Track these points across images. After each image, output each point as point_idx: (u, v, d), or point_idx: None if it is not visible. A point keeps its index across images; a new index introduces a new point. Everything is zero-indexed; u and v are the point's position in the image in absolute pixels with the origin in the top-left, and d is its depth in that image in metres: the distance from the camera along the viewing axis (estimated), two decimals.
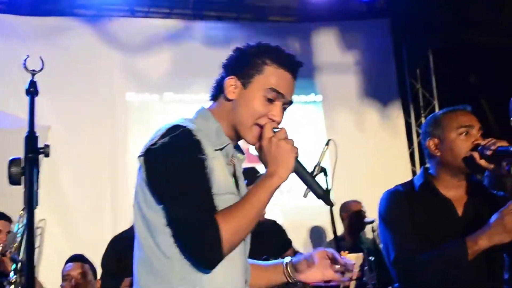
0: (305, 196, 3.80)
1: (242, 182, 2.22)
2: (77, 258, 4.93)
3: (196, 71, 7.19)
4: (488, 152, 2.57)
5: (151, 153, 1.99)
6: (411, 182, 2.88)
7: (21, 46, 6.53)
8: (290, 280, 2.33)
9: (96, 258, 4.92)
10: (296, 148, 2.06)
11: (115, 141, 7.08)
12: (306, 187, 3.45)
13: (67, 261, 4.92)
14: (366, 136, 8.12)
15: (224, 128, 2.13)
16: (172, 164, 1.95)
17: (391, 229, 2.75)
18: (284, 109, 2.15)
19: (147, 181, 2.00)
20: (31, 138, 1.97)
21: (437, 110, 8.23)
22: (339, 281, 2.41)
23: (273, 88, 2.09)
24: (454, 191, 2.75)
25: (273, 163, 2.03)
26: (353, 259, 4.64)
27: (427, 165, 2.86)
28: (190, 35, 7.71)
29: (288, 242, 5.14)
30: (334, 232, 4.08)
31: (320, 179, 3.92)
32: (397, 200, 2.79)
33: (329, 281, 3.98)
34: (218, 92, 2.18)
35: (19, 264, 3.19)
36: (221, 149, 2.10)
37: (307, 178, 2.12)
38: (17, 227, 3.56)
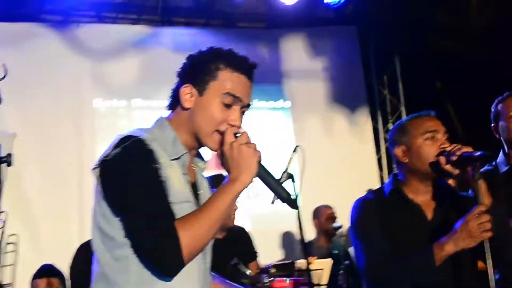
0: (272, 202, 3.82)
1: (205, 190, 2.21)
2: (45, 271, 4.86)
3: (164, 78, 7.03)
4: (454, 158, 2.59)
5: (104, 165, 1.97)
6: (381, 189, 2.91)
7: None
8: None
9: (65, 268, 4.87)
10: (258, 152, 2.03)
11: (82, 148, 7.02)
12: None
13: (34, 276, 4.85)
14: (334, 142, 8.17)
15: (182, 137, 2.10)
16: (126, 175, 1.93)
17: (362, 237, 2.77)
18: (243, 112, 2.13)
19: (103, 194, 1.97)
20: None
21: (404, 116, 8.34)
22: None
23: (229, 93, 2.06)
24: (423, 196, 2.78)
25: (235, 169, 2.00)
26: (322, 265, 4.70)
27: (396, 171, 2.89)
28: (158, 41, 7.70)
29: (254, 254, 5.13)
30: (302, 237, 4.09)
31: (287, 185, 3.94)
32: (367, 208, 2.81)
33: (298, 286, 3.99)
34: (174, 101, 2.14)
35: None
36: (177, 159, 2.07)
37: (271, 182, 2.08)
38: None
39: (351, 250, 5.65)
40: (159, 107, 7.20)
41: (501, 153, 3.30)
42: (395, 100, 8.74)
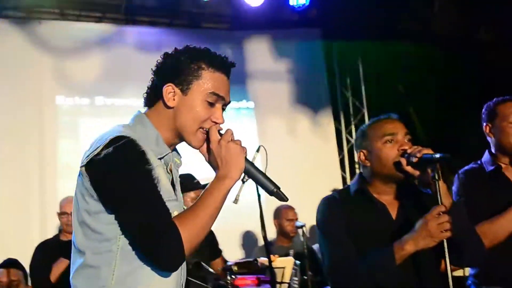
0: (235, 202, 3.83)
1: (179, 187, 2.23)
2: (7, 263, 4.82)
3: (128, 76, 7.14)
4: (414, 159, 2.63)
5: (95, 164, 1.98)
6: (347, 189, 2.95)
7: None
8: None
9: (25, 264, 4.83)
10: (244, 148, 2.11)
11: (44, 145, 6.95)
12: (237, 192, 3.47)
13: None
14: (297, 143, 8.21)
15: (164, 135, 2.14)
16: (122, 175, 1.95)
17: (327, 236, 2.80)
18: (223, 110, 2.19)
19: (93, 191, 1.99)
20: None
21: (366, 118, 8.44)
22: None
23: (213, 92, 2.13)
24: (387, 195, 2.82)
25: (224, 165, 2.07)
26: (284, 263, 4.73)
27: (362, 171, 2.93)
28: (122, 40, 7.65)
29: (219, 251, 5.16)
30: (264, 236, 4.11)
31: (249, 185, 3.95)
32: (333, 208, 2.84)
33: (259, 284, 4.02)
34: (153, 99, 2.17)
35: None
36: (161, 158, 2.11)
37: (259, 176, 2.15)
38: None
39: (316, 247, 5.70)
40: (123, 105, 7.27)
41: (486, 153, 3.37)
42: (358, 102, 8.82)
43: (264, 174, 2.17)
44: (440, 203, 2.56)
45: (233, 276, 4.21)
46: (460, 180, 3.20)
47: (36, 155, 6.89)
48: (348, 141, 8.74)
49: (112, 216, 1.98)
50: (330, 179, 7.97)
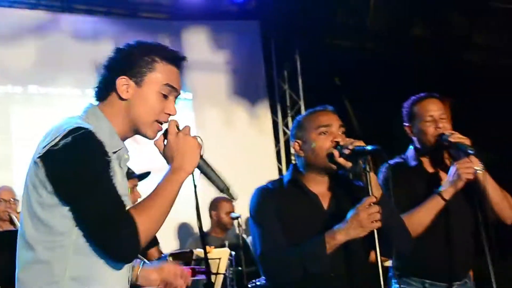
0: None
1: (127, 182, 2.24)
2: None
3: (63, 65, 6.99)
4: (346, 151, 2.70)
5: (52, 154, 1.96)
6: (280, 179, 3.01)
7: None
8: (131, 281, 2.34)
9: None
10: (200, 144, 2.14)
11: None
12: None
13: None
14: (235, 134, 8.24)
15: (117, 128, 2.15)
16: (79, 166, 1.94)
17: (259, 225, 2.84)
18: (175, 102, 2.23)
19: (47, 183, 1.96)
20: None
21: (303, 110, 8.52)
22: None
23: (167, 84, 2.17)
24: (320, 186, 2.88)
25: (179, 158, 2.10)
26: (219, 254, 4.76)
27: (296, 162, 2.97)
28: (57, 28, 7.46)
29: (155, 240, 5.14)
30: (200, 227, 4.12)
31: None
32: (265, 197, 2.88)
33: (194, 275, 4.04)
34: (105, 92, 2.17)
35: None
36: (114, 152, 2.11)
37: (211, 174, 2.21)
38: None
39: (250, 239, 5.75)
40: (57, 94, 7.13)
41: (411, 148, 3.47)
42: (295, 94, 8.90)
43: (215, 172, 2.22)
44: (370, 194, 2.64)
45: None
46: (383, 173, 3.28)
47: None
48: (284, 133, 8.81)
49: (66, 209, 1.96)
50: (266, 170, 8.03)
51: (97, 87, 2.20)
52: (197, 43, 8.34)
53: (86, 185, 1.93)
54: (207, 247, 4.29)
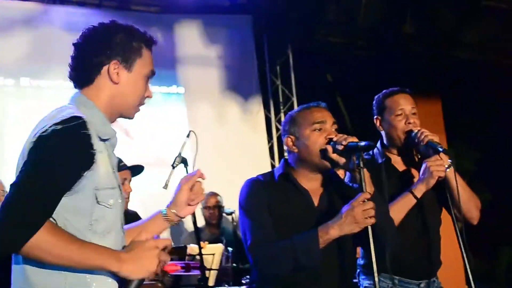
0: (165, 187, 3.82)
1: (117, 172, 2.20)
2: None
3: (55, 57, 6.95)
4: (340, 147, 2.70)
5: (40, 139, 1.94)
6: (271, 173, 2.98)
7: None
8: (172, 224, 2.39)
9: None
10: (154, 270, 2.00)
11: None
12: (167, 178, 3.45)
13: None
14: (227, 129, 8.21)
15: (106, 114, 2.15)
16: (52, 154, 1.92)
17: (249, 216, 2.82)
18: None
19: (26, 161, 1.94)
20: None
21: (295, 106, 8.52)
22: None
23: (152, 70, 2.24)
24: (311, 183, 2.87)
25: (133, 258, 1.97)
26: (213, 250, 4.75)
27: (288, 157, 2.97)
28: (49, 20, 7.44)
29: None
30: (194, 222, 4.12)
31: (179, 171, 3.95)
32: (256, 189, 2.87)
33: (189, 270, 4.03)
34: (90, 76, 2.15)
35: None
36: (106, 140, 2.10)
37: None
38: None
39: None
40: (49, 86, 7.09)
41: (378, 144, 3.42)
42: (287, 90, 8.89)
43: None
44: (364, 190, 2.64)
45: None
46: None
47: None
48: (277, 129, 8.80)
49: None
50: (259, 166, 7.99)
51: (80, 71, 2.18)
52: (189, 37, 8.32)
53: (39, 170, 1.89)
54: (201, 243, 4.29)
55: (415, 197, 3.17)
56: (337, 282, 2.81)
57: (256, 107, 8.61)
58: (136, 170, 4.53)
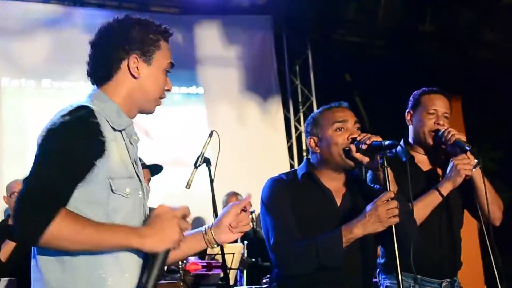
0: (187, 186, 3.84)
1: (139, 164, 2.19)
2: None
3: (76, 59, 6.95)
4: (364, 146, 2.69)
5: (49, 132, 1.95)
6: (294, 172, 2.98)
7: None
8: (210, 246, 2.34)
9: None
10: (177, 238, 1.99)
11: None
12: (190, 177, 3.45)
13: None
14: (247, 129, 8.22)
15: (125, 108, 2.13)
16: (61, 144, 1.91)
17: (272, 215, 2.82)
18: None
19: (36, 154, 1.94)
20: None
21: (314, 106, 8.52)
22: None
23: (171, 62, 2.21)
24: (334, 182, 2.87)
25: (155, 231, 1.96)
26: (233, 249, 4.77)
27: (310, 157, 2.96)
28: (70, 22, 7.50)
29: None
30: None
31: (203, 170, 3.96)
32: (279, 188, 2.86)
33: (210, 269, 4.04)
34: (110, 71, 2.13)
35: None
36: (121, 131, 2.09)
37: (156, 268, 1.97)
38: None
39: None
40: (70, 88, 7.14)
41: (401, 142, 3.40)
42: (307, 90, 8.89)
43: (159, 272, 1.99)
44: (388, 189, 2.63)
45: (184, 261, 4.22)
46: None
47: None
48: (296, 129, 8.81)
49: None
50: (278, 166, 8.02)
51: (98, 68, 2.16)
52: (208, 38, 8.35)
53: (50, 160, 1.89)
54: (224, 244, 4.30)
55: (441, 195, 3.17)
56: (359, 281, 2.81)
57: (275, 107, 8.62)
58: (155, 169, 4.55)
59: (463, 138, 3.16)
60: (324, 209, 2.83)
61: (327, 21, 8.54)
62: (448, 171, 3.19)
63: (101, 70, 2.16)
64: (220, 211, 5.72)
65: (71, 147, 1.90)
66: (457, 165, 3.14)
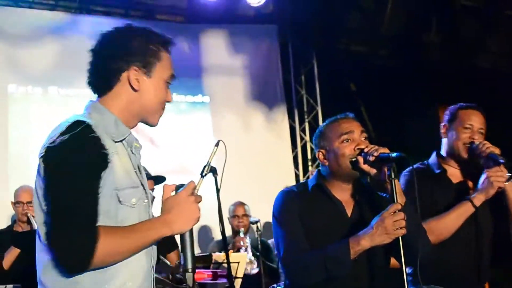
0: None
1: (143, 171, 2.20)
2: None
3: (82, 66, 6.89)
4: (371, 158, 2.70)
5: (50, 152, 1.95)
6: (305, 183, 3.00)
7: None
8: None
9: None
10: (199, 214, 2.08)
11: None
12: (196, 187, 3.46)
13: None
14: (252, 139, 8.22)
15: (123, 119, 2.12)
16: (68, 164, 1.91)
17: (282, 227, 2.85)
18: None
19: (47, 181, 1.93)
20: None
21: (320, 115, 8.52)
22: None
23: (172, 74, 2.18)
24: (344, 193, 2.89)
25: (175, 215, 2.03)
26: (238, 258, 4.77)
27: (321, 169, 2.98)
28: (76, 29, 7.50)
29: (175, 244, 5.15)
30: (223, 231, 4.13)
31: (209, 179, 3.95)
32: (290, 200, 2.89)
33: (216, 278, 4.04)
34: (110, 83, 2.12)
35: None
36: (121, 141, 2.09)
37: (187, 247, 2.13)
38: None
39: (271, 242, 5.76)
40: (76, 95, 7.16)
41: (434, 156, 3.48)
42: (312, 99, 8.90)
43: (192, 250, 2.14)
44: (395, 201, 2.64)
45: None
46: (406, 177, 3.29)
47: None
48: (301, 138, 8.81)
49: None
50: (283, 175, 8.04)
51: (98, 77, 2.16)
52: (214, 46, 8.36)
53: (65, 186, 1.89)
54: (229, 251, 4.30)
55: (474, 206, 3.19)
56: None
57: (281, 116, 8.62)
58: (158, 180, 4.59)
59: (497, 151, 3.20)
60: (335, 220, 2.84)
61: (332, 30, 8.55)
62: (481, 182, 3.23)
63: (100, 81, 2.15)
64: (226, 220, 5.74)
65: (80, 165, 1.91)
66: (490, 177, 3.18)
